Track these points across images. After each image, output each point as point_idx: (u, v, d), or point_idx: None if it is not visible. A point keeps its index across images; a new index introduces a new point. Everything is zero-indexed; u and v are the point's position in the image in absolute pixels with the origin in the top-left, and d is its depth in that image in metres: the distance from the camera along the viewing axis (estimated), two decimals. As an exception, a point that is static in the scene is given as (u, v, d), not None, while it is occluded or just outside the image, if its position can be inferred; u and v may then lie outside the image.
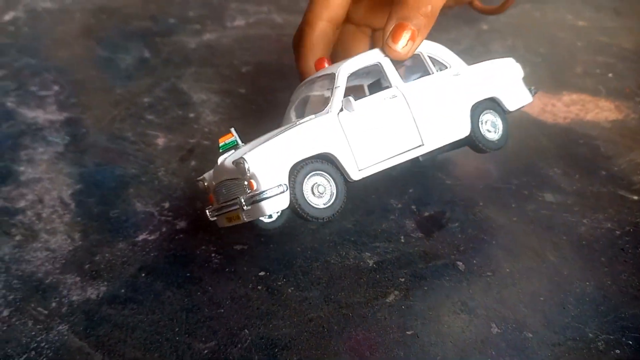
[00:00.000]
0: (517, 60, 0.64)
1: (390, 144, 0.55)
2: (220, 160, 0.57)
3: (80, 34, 0.97)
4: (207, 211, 0.57)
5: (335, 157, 0.53)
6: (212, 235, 0.60)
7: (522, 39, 0.94)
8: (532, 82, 0.65)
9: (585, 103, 0.80)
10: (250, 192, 0.51)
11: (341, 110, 0.55)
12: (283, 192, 0.50)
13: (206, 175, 0.59)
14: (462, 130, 0.58)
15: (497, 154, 0.69)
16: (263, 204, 0.50)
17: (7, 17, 1.00)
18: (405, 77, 0.59)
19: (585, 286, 0.54)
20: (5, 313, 0.52)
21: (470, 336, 0.50)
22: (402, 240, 0.59)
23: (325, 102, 0.57)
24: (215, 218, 0.57)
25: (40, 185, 0.66)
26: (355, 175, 0.54)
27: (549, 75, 0.86)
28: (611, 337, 0.49)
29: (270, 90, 0.82)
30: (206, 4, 1.06)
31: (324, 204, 0.53)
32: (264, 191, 0.50)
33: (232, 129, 0.56)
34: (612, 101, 0.80)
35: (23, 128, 0.75)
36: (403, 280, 0.54)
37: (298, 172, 0.52)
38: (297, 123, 0.54)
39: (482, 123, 0.60)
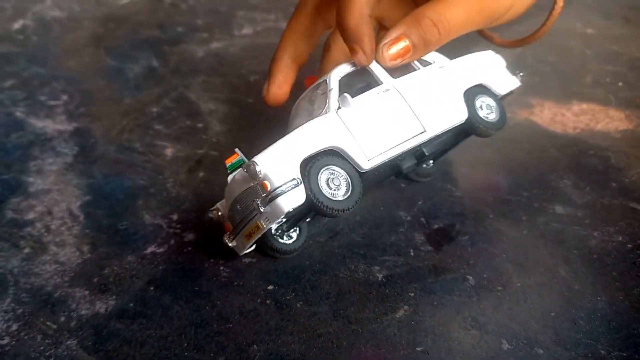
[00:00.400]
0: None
1: (393, 133, 0.56)
2: (229, 179, 0.57)
3: (89, 42, 0.97)
4: (224, 239, 0.56)
5: (343, 150, 0.53)
6: (220, 248, 0.59)
7: (530, 48, 0.93)
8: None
9: (595, 113, 0.79)
10: (264, 194, 0.50)
11: (339, 107, 0.55)
12: (297, 185, 0.50)
13: (218, 204, 0.58)
14: (460, 114, 0.59)
15: (506, 165, 0.69)
16: (280, 200, 0.49)
17: (17, 25, 1.01)
18: (392, 75, 0.60)
19: (597, 301, 0.53)
20: (14, 327, 0.52)
21: (480, 352, 0.49)
22: (412, 254, 0.58)
23: (322, 107, 0.57)
24: (234, 243, 0.56)
25: (49, 196, 0.66)
26: (365, 164, 0.53)
27: (558, 84, 0.85)
28: (624, 354, 0.49)
29: (278, 100, 0.82)
30: (214, 12, 1.06)
31: (343, 196, 0.52)
32: (278, 187, 0.49)
33: (237, 149, 0.56)
34: (623, 111, 0.79)
35: (32, 138, 0.75)
36: (412, 295, 0.54)
37: (310, 169, 0.52)
38: (299, 126, 0.55)
39: (479, 108, 0.61)
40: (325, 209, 0.51)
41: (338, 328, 0.51)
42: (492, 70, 0.64)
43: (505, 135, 0.75)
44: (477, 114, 0.60)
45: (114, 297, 0.55)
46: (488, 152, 0.72)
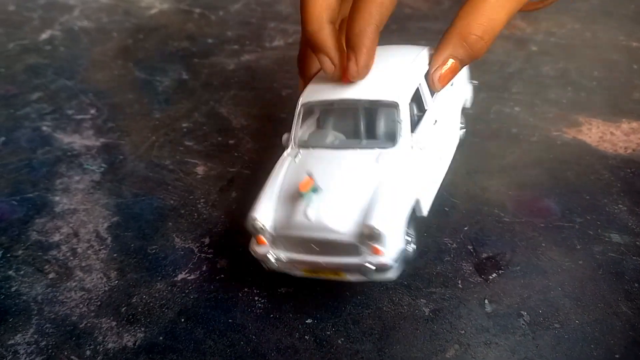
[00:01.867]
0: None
1: (439, 170, 0.59)
2: (309, 212, 0.48)
3: (118, 54, 0.94)
4: (268, 256, 0.50)
5: (418, 201, 0.52)
6: (254, 276, 0.56)
7: (574, 62, 0.89)
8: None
9: (646, 132, 0.75)
10: (375, 259, 0.47)
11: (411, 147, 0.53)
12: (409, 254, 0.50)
13: (261, 216, 0.50)
14: (458, 137, 0.66)
15: (556, 187, 0.65)
16: (391, 272, 0.49)
17: (44, 35, 0.99)
18: None
19: (666, 343, 0.49)
20: (38, 361, 0.49)
21: (539, 399, 0.45)
22: (460, 286, 0.54)
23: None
24: (278, 266, 0.51)
25: (75, 217, 0.64)
26: (426, 210, 0.55)
27: (605, 100, 0.81)
28: (699, 405, 0.44)
29: (312, 115, 0.79)
30: (244, 24, 1.03)
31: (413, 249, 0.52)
32: (394, 259, 0.48)
33: (310, 173, 0.49)
34: (676, 130, 0.74)
35: (59, 154, 0.73)
36: (463, 332, 0.50)
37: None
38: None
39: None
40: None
41: (383, 369, 0.48)
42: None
43: (554, 155, 0.71)
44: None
45: (143, 329, 0.52)
46: (535, 173, 0.68)
